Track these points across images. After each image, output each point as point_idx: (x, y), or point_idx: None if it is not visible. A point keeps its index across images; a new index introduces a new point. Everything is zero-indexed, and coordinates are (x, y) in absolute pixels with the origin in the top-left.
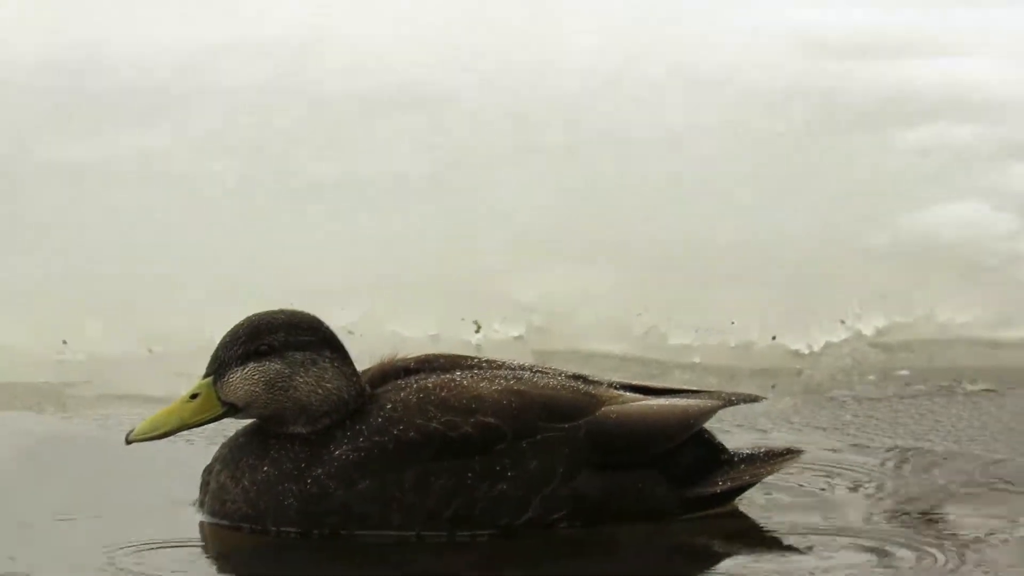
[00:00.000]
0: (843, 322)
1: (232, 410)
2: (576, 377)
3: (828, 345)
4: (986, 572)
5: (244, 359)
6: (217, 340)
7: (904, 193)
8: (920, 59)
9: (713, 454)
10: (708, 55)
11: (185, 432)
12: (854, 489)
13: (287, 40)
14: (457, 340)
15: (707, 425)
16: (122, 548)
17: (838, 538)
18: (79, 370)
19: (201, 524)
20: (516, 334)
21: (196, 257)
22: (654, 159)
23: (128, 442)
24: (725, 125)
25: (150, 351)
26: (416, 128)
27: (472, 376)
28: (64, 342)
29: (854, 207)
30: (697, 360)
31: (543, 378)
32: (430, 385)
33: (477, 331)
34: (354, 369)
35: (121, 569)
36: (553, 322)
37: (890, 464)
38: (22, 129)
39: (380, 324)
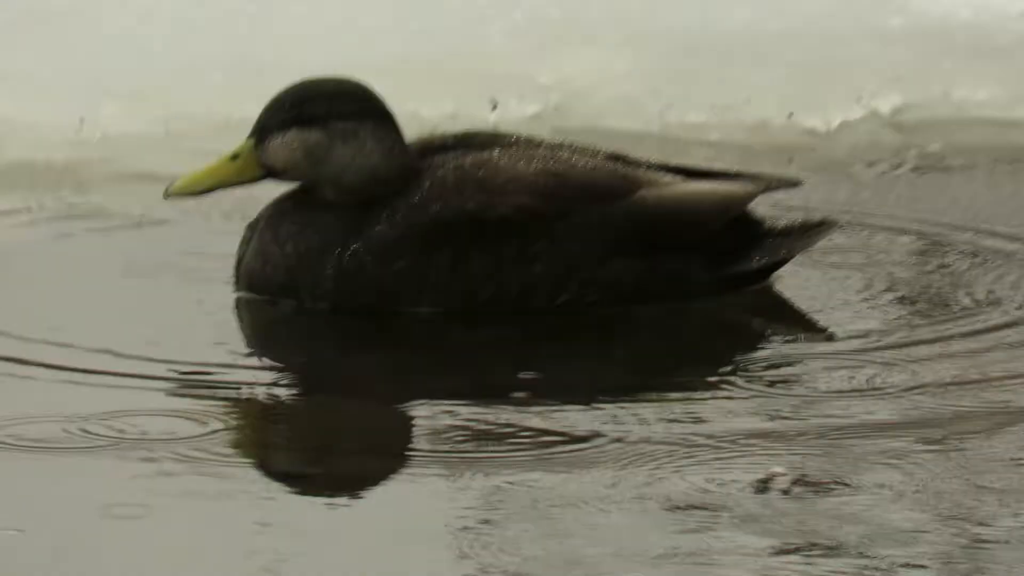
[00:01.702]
0: (859, 100)
1: (271, 174)
2: (614, 157)
3: (844, 123)
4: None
5: (286, 125)
6: (232, 117)
7: None
8: None
9: (751, 229)
10: None
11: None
12: (871, 265)
13: None
14: (475, 118)
15: None
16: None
17: (864, 307)
18: (97, 148)
19: (236, 301)
20: (533, 112)
21: (211, 41)
22: None
23: (166, 196)
24: None
25: (166, 131)
26: None
27: (510, 155)
28: (81, 120)
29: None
30: (714, 137)
31: (581, 158)
32: (467, 165)
33: (494, 108)
34: (399, 140)
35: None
36: (570, 100)
37: (909, 241)
38: None
39: (397, 103)
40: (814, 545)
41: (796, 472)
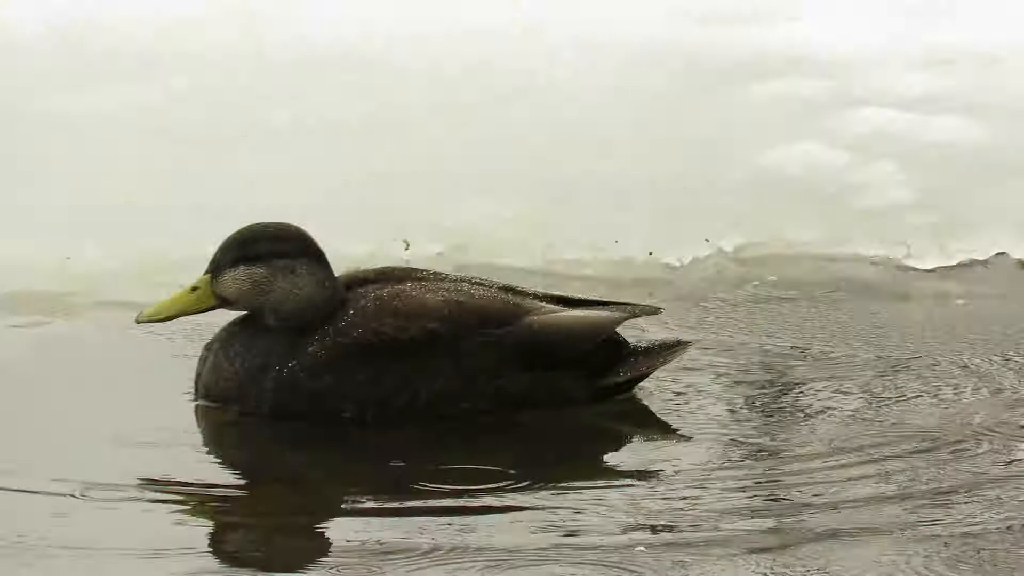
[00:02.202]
0: (708, 240)
1: (223, 303)
2: (506, 289)
3: (695, 259)
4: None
5: (236, 263)
6: (194, 253)
7: (758, 136)
8: (770, 26)
9: (618, 349)
10: (598, 26)
11: (167, 325)
12: (719, 379)
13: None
14: (391, 256)
15: None
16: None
17: (711, 418)
18: (80, 281)
19: (196, 408)
20: (438, 251)
21: (173, 189)
22: (552, 110)
23: (138, 322)
24: (610, 83)
25: (138, 266)
26: (351, 83)
27: (420, 287)
28: (68, 258)
29: (717, 148)
30: (588, 272)
31: (479, 289)
32: (385, 295)
33: (406, 248)
34: (329, 274)
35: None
36: (469, 241)
37: (747, 357)
38: (24, 82)
39: (326, 243)
40: None
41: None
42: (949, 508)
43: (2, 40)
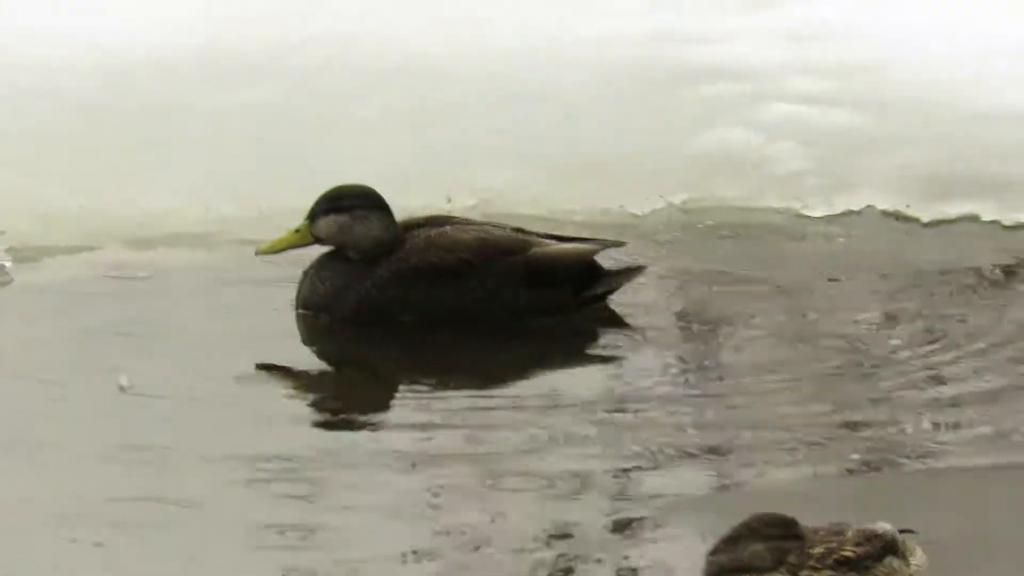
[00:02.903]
0: (662, 197)
1: (317, 240)
2: (517, 230)
3: (653, 210)
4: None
5: (327, 212)
6: (298, 206)
7: (698, 125)
8: (705, 45)
9: (595, 271)
10: (582, 46)
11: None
12: (666, 293)
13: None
14: (437, 207)
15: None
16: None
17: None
18: (218, 224)
19: (296, 315)
20: (472, 204)
21: (286, 158)
22: (546, 107)
23: (256, 254)
24: (589, 89)
25: (260, 215)
26: (408, 85)
27: (456, 229)
28: (207, 209)
29: (667, 133)
30: (577, 219)
31: (498, 230)
32: (432, 235)
33: (448, 202)
34: (392, 221)
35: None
36: (494, 197)
37: (687, 278)
38: (174, 84)
39: (390, 197)
40: None
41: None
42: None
43: (161, 54)
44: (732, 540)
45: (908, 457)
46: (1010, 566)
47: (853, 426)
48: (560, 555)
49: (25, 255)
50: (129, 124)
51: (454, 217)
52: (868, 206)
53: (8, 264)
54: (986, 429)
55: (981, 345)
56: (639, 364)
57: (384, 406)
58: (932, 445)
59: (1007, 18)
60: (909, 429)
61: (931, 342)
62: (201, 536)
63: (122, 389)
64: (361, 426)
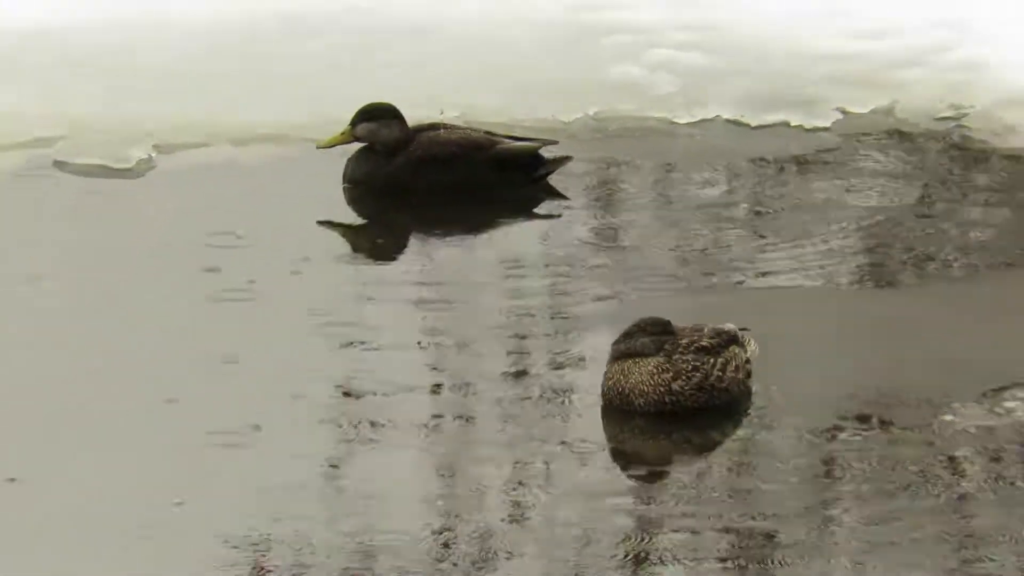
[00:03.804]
0: (583, 111)
1: (356, 139)
2: (488, 133)
3: (575, 119)
4: None
5: (362, 120)
6: (346, 117)
7: (604, 64)
8: (612, 11)
9: (540, 159)
10: (521, 9)
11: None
12: (583, 171)
13: None
14: (433, 117)
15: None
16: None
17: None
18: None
19: (343, 188)
20: (456, 115)
21: (354, 83)
22: (494, 53)
23: (318, 147)
24: (535, 43)
25: (326, 120)
26: (420, 44)
27: (447, 132)
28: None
29: (584, 71)
30: (526, 125)
31: (475, 133)
32: (432, 135)
33: (441, 113)
34: (406, 127)
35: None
36: (471, 111)
37: (597, 163)
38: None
39: (406, 111)
40: None
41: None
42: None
43: (311, 24)
44: (627, 335)
45: (745, 278)
46: (812, 352)
47: (702, 255)
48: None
49: (163, 149)
50: (236, 60)
51: (446, 124)
52: (716, 115)
53: (154, 155)
54: (792, 262)
55: (786, 206)
56: (567, 222)
57: (394, 254)
58: (761, 271)
59: None
60: (743, 263)
61: (757, 209)
62: None
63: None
64: (382, 261)
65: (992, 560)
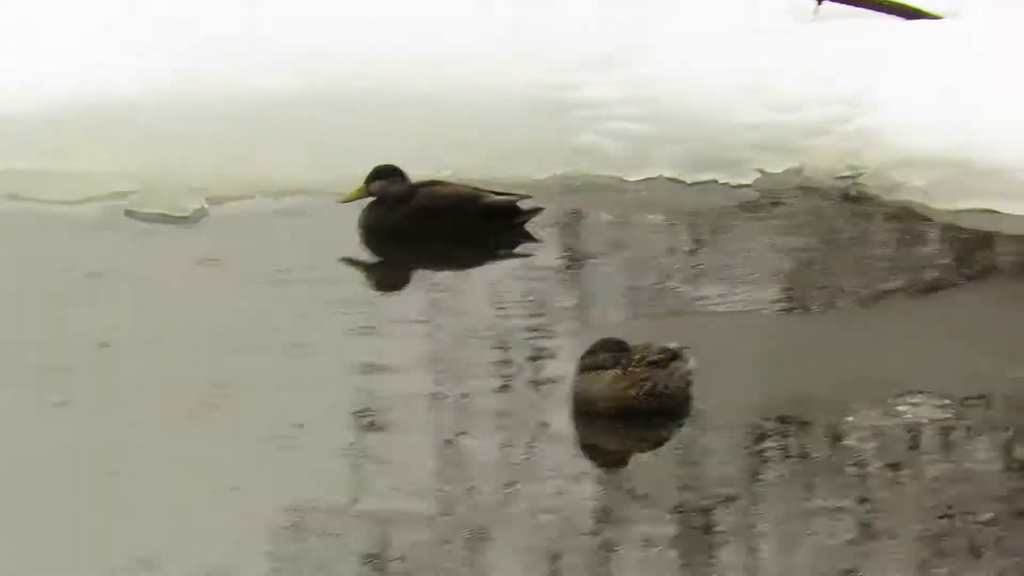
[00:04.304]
0: (551, 171)
1: (370, 195)
2: (475, 188)
3: (549, 177)
4: None
5: (375, 178)
6: (361, 175)
7: (570, 131)
8: (571, 90)
9: (517, 210)
10: (498, 87)
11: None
12: (553, 222)
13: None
14: (429, 175)
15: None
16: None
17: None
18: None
19: (358, 232)
20: (448, 173)
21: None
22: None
23: (339, 202)
24: (497, 113)
25: (350, 179)
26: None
27: (442, 187)
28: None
29: (552, 135)
30: (505, 183)
31: (464, 188)
32: (429, 189)
33: (436, 172)
34: (410, 183)
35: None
36: (460, 170)
37: (567, 216)
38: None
39: (406, 169)
40: None
41: None
42: None
43: (330, 96)
44: (591, 351)
45: (685, 306)
46: (741, 366)
47: (651, 288)
48: None
49: (214, 201)
50: (273, 128)
51: (441, 181)
52: (659, 174)
53: (207, 206)
54: (723, 294)
55: (717, 248)
56: (542, 258)
57: (401, 286)
58: (698, 300)
59: (729, 61)
60: (683, 294)
61: (694, 250)
62: None
63: None
64: (387, 288)
65: (891, 539)
